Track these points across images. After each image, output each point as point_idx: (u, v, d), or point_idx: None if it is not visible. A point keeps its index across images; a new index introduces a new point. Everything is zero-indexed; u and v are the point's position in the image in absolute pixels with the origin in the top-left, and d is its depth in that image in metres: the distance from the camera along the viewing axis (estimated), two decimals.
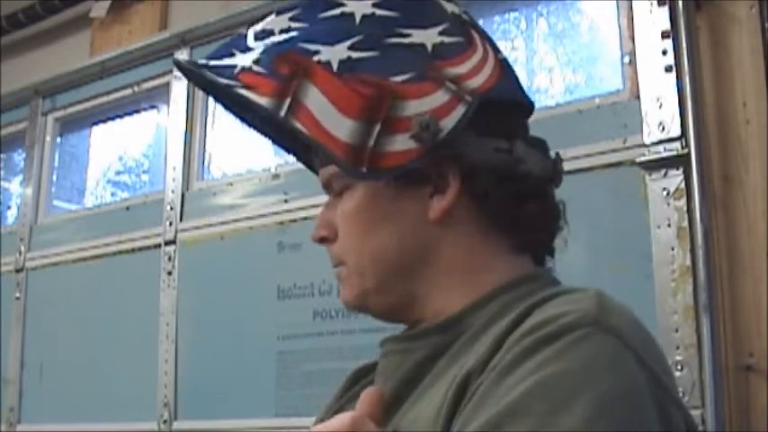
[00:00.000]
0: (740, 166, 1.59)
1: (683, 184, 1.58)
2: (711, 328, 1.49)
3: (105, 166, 2.94)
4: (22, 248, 2.69)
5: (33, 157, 2.78)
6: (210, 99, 2.45)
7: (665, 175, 1.60)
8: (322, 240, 0.80)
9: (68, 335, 2.49)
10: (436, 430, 0.63)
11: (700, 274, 1.52)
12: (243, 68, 0.74)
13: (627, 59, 1.75)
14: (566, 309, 0.62)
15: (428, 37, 0.75)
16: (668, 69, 1.63)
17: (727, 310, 1.54)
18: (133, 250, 2.42)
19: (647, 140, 1.63)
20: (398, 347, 0.77)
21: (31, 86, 2.81)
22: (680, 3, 1.63)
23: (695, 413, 1.47)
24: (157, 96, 2.61)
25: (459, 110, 0.72)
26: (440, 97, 0.72)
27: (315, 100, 0.71)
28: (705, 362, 1.48)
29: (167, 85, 2.50)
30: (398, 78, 0.72)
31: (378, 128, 0.70)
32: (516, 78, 0.82)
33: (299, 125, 0.70)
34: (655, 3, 1.67)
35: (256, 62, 0.74)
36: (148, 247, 2.37)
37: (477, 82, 0.74)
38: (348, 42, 0.73)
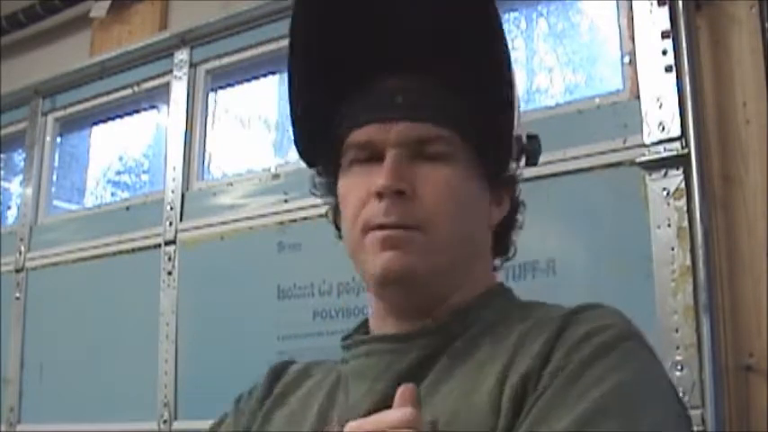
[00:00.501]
0: (740, 166, 1.59)
1: (683, 184, 1.58)
2: (711, 328, 1.49)
3: (105, 166, 2.93)
4: (22, 248, 2.69)
5: (33, 157, 2.78)
6: (210, 99, 2.47)
7: (665, 175, 1.60)
8: (399, 192, 0.75)
9: (68, 335, 2.49)
10: (492, 425, 0.67)
11: (700, 274, 1.52)
12: None
13: (627, 59, 1.75)
14: (606, 322, 0.70)
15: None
16: (668, 69, 1.63)
17: (727, 310, 1.54)
18: (133, 250, 2.41)
19: (647, 140, 1.63)
20: (387, 347, 0.77)
21: (31, 86, 2.81)
22: (680, 3, 1.63)
23: (695, 413, 1.47)
24: (157, 96, 2.61)
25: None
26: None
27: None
28: (705, 362, 1.48)
29: (167, 85, 2.50)
30: None
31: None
32: None
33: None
34: (655, 3, 1.67)
35: None
36: (148, 247, 2.37)
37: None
38: None
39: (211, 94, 2.48)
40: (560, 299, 1.68)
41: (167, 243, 2.33)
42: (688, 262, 1.55)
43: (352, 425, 0.63)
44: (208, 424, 0.99)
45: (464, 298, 0.79)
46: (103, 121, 2.82)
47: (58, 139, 2.85)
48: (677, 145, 1.59)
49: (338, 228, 0.85)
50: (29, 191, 2.77)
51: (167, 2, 2.68)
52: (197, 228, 2.29)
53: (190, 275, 2.28)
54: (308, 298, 2.02)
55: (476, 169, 0.79)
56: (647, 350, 0.71)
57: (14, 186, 3.11)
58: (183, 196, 2.35)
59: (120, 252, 2.44)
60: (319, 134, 0.83)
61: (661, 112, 1.63)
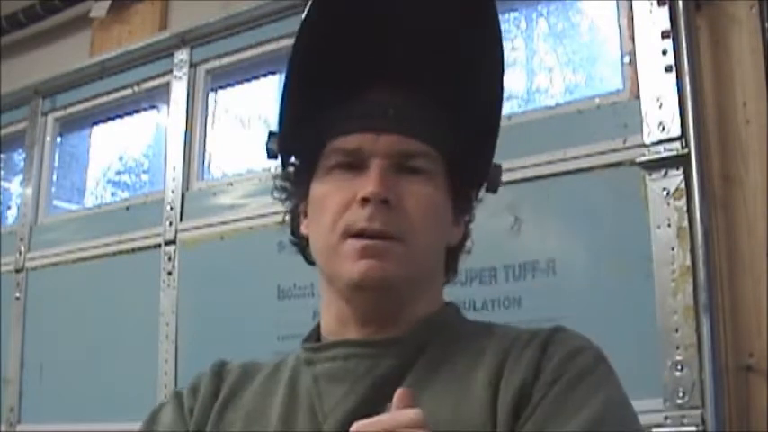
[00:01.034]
0: (740, 166, 1.59)
1: (683, 184, 1.58)
2: (711, 328, 1.49)
3: (105, 166, 2.93)
4: (22, 248, 2.69)
5: (33, 157, 2.78)
6: (210, 99, 2.48)
7: (665, 175, 1.60)
8: (385, 201, 0.77)
9: (68, 335, 2.49)
10: (490, 429, 0.72)
11: (700, 274, 1.52)
12: None
13: (627, 59, 1.75)
14: (583, 344, 0.78)
15: None
16: (668, 69, 1.63)
17: (727, 310, 1.54)
18: (133, 250, 2.41)
19: (647, 140, 1.63)
20: (366, 352, 0.79)
21: (31, 86, 2.81)
22: (680, 3, 1.63)
23: (695, 413, 1.48)
24: (157, 96, 2.61)
25: None
26: None
27: None
28: (705, 362, 1.48)
29: (167, 85, 2.50)
30: None
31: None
32: None
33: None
34: (655, 3, 1.67)
35: None
36: (148, 247, 2.37)
37: None
38: None
39: (211, 94, 2.48)
40: (560, 299, 1.69)
41: (167, 243, 2.33)
42: (688, 262, 1.55)
43: (359, 424, 0.63)
44: None
45: (426, 310, 0.83)
46: (103, 121, 2.82)
47: (58, 139, 2.85)
48: (677, 145, 1.60)
49: (294, 231, 0.89)
50: (29, 191, 2.77)
51: (167, 2, 2.68)
52: (197, 228, 2.29)
53: (190, 275, 2.28)
54: (308, 298, 2.01)
55: (447, 187, 0.83)
56: (614, 371, 0.79)
57: (14, 186, 3.11)
58: (183, 196, 2.35)
59: (120, 252, 2.44)
60: (303, 137, 0.84)
61: (661, 112, 1.63)
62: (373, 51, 0.80)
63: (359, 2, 0.79)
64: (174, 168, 2.38)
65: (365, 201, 0.77)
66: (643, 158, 1.62)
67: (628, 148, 1.66)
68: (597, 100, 1.78)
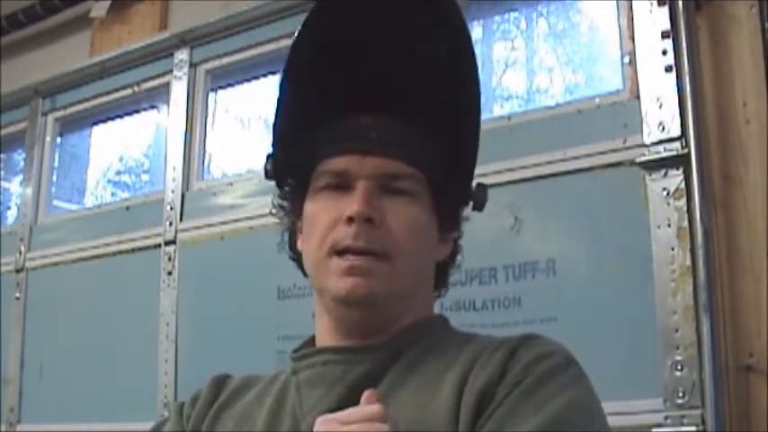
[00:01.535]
0: (740, 165, 1.59)
1: (683, 184, 1.58)
2: (711, 328, 1.49)
3: (105, 166, 2.94)
4: (22, 248, 2.69)
5: (33, 157, 2.78)
6: (210, 99, 2.48)
7: (665, 175, 1.60)
8: (369, 220, 0.82)
9: (68, 335, 2.49)
10: (452, 428, 0.75)
11: (700, 274, 1.52)
12: None
13: (627, 59, 1.75)
14: (553, 349, 0.80)
15: None
16: (668, 69, 1.63)
17: (727, 310, 1.54)
18: (133, 250, 2.41)
19: (647, 140, 1.63)
20: (343, 358, 0.84)
21: (31, 86, 2.81)
22: (680, 3, 1.63)
23: (695, 413, 1.48)
24: (157, 96, 2.61)
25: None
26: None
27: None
28: (705, 362, 1.48)
29: (167, 85, 2.50)
30: None
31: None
32: None
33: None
34: (655, 3, 1.67)
35: None
36: (148, 247, 2.37)
37: None
38: None
39: (211, 94, 2.48)
40: (560, 299, 1.69)
41: (167, 243, 2.33)
42: (688, 262, 1.55)
43: (324, 418, 0.69)
44: None
45: (410, 321, 0.87)
46: (103, 121, 2.82)
47: (58, 139, 2.85)
48: (677, 145, 1.60)
49: (291, 246, 0.94)
50: (29, 191, 2.77)
51: (167, 2, 2.68)
52: (197, 228, 2.29)
53: (190, 275, 2.28)
54: (308, 298, 1.98)
55: (432, 207, 0.87)
56: (586, 375, 0.80)
57: (14, 186, 3.11)
58: (183, 196, 2.35)
59: (120, 252, 2.44)
60: (295, 158, 0.90)
61: (661, 112, 1.63)
62: (360, 76, 0.85)
63: (343, 28, 0.84)
64: (174, 168, 2.38)
65: (350, 220, 0.82)
66: (643, 158, 1.62)
67: (628, 148, 1.66)
68: (597, 100, 1.78)
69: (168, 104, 2.49)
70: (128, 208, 2.52)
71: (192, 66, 2.45)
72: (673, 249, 1.57)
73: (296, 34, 0.85)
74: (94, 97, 2.70)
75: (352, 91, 0.85)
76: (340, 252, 0.82)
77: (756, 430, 1.47)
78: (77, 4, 2.81)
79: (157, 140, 2.67)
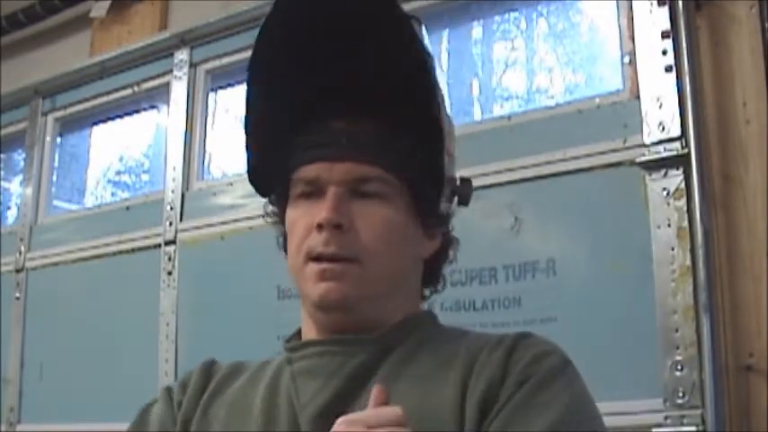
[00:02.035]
0: (740, 165, 1.59)
1: (683, 184, 1.58)
2: (711, 328, 1.49)
3: (105, 166, 2.94)
4: (22, 248, 2.69)
5: (33, 157, 2.78)
6: (210, 99, 2.48)
7: (665, 175, 1.60)
8: (338, 226, 0.83)
9: (68, 335, 2.49)
10: (456, 427, 0.76)
11: (700, 274, 1.52)
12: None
13: (627, 59, 1.75)
14: (548, 348, 0.82)
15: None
16: (668, 69, 1.63)
17: (727, 310, 1.54)
18: (133, 250, 2.41)
19: (647, 140, 1.63)
20: (339, 349, 0.85)
21: (31, 86, 2.81)
22: (680, 3, 1.63)
23: (695, 413, 1.48)
24: (157, 96, 2.61)
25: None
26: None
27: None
28: (705, 362, 1.48)
29: (167, 85, 2.50)
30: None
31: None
32: None
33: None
34: (655, 3, 1.67)
35: None
36: (148, 247, 2.37)
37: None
38: None
39: (211, 94, 2.49)
40: (560, 299, 1.69)
41: (167, 243, 2.33)
42: (688, 262, 1.55)
43: (347, 419, 0.69)
44: None
45: (396, 319, 0.88)
46: (103, 121, 2.82)
47: (58, 139, 2.85)
48: (677, 145, 1.60)
49: (285, 250, 0.93)
50: (29, 191, 2.77)
51: (167, 2, 2.68)
52: (197, 228, 2.29)
53: (190, 275, 2.28)
54: None
55: (409, 207, 0.88)
56: (579, 374, 0.82)
57: (14, 186, 3.11)
58: (183, 196, 2.35)
59: (120, 252, 2.44)
60: (271, 168, 0.91)
61: (661, 112, 1.63)
62: (330, 85, 0.86)
63: (311, 28, 0.86)
64: (174, 168, 2.38)
65: (320, 227, 0.83)
66: (643, 158, 1.62)
67: (628, 148, 1.66)
68: (597, 100, 1.78)
69: (168, 104, 2.49)
70: (128, 208, 2.52)
71: (192, 66, 2.45)
72: (673, 249, 1.57)
73: (259, 32, 0.88)
74: (94, 97, 2.70)
75: (323, 94, 0.86)
76: (315, 258, 0.84)
77: (756, 430, 1.47)
78: (77, 4, 2.81)
79: (157, 140, 2.67)
